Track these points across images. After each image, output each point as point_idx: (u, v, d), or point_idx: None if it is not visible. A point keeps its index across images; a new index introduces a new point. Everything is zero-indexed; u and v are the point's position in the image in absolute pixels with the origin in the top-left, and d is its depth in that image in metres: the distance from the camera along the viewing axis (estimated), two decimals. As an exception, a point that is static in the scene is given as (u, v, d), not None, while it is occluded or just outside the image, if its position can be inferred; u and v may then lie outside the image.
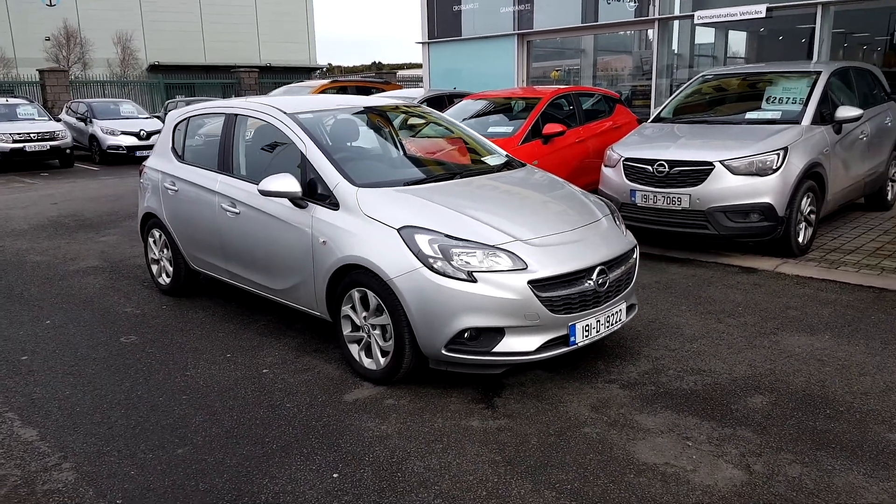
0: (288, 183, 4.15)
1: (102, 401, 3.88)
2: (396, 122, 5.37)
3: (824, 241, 6.74)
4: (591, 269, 3.76)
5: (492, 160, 4.88)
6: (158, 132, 17.47)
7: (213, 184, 4.92)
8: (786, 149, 5.98)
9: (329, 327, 4.76)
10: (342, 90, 12.69)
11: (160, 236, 5.71)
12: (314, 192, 4.20)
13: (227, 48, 45.51)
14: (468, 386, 3.90)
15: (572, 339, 3.72)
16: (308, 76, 40.00)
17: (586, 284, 3.73)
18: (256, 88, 28.15)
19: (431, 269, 3.57)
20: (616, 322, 3.98)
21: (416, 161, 4.98)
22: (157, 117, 19.58)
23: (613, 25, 12.34)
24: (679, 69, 13.35)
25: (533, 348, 3.61)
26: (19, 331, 5.06)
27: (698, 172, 6.05)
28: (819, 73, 6.85)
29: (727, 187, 5.95)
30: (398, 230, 3.73)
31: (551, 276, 3.61)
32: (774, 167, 5.91)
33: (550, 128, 7.82)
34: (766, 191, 5.90)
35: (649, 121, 7.49)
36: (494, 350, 3.58)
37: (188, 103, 9.03)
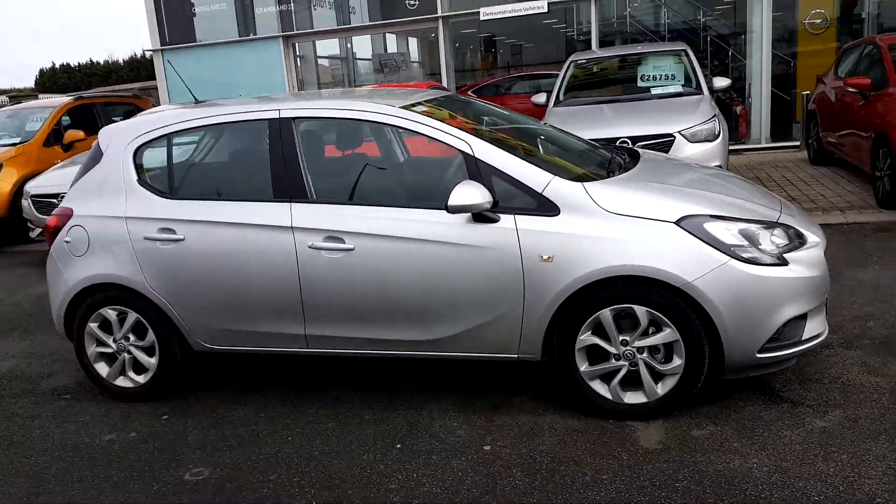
0: (478, 192, 3.08)
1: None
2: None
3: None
4: None
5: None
6: None
7: (282, 217, 3.41)
8: (715, 116, 6.49)
9: (467, 371, 3.75)
10: (88, 108, 10.09)
11: (120, 317, 3.78)
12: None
13: None
14: (719, 393, 3.38)
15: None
16: None
17: None
18: None
19: (740, 259, 2.99)
20: None
21: (573, 147, 4.09)
22: None
23: (392, 24, 11.97)
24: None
25: (825, 327, 3.27)
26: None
27: (662, 145, 6.19)
28: (685, 49, 7.58)
29: (688, 156, 6.21)
30: (676, 223, 3.03)
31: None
32: (716, 133, 6.36)
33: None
34: (715, 155, 6.31)
35: (551, 105, 7.45)
36: (803, 338, 3.15)
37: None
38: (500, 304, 3.20)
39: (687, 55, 7.49)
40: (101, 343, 3.87)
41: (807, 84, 10.51)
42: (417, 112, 3.44)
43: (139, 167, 3.76)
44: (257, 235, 3.46)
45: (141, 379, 3.85)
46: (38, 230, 7.35)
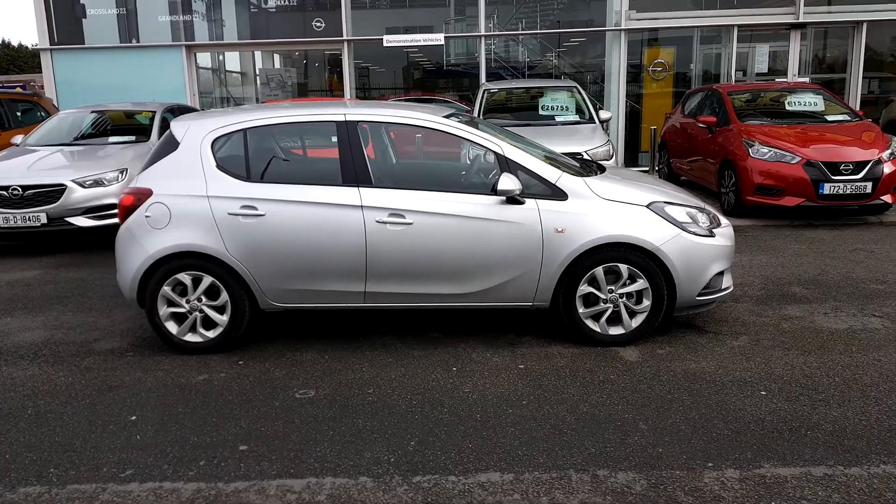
0: (514, 181, 4.26)
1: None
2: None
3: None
4: None
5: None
6: None
7: (352, 198, 4.34)
8: (609, 140, 8.17)
9: (480, 317, 4.90)
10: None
11: (194, 281, 4.46)
12: None
13: None
14: (666, 329, 4.80)
15: (724, 272, 5.03)
16: None
17: None
18: None
19: (688, 231, 4.41)
20: None
21: (550, 154, 5.16)
22: None
23: (300, 43, 12.72)
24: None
25: (732, 282, 4.80)
26: (131, 436, 3.51)
27: (574, 161, 7.72)
28: (576, 86, 9.27)
29: (593, 170, 7.80)
30: (647, 206, 4.40)
31: (728, 226, 4.86)
32: (611, 154, 8.03)
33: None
34: (612, 171, 7.96)
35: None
36: (722, 287, 4.64)
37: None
38: (524, 264, 4.38)
39: (579, 91, 9.19)
40: (171, 304, 4.51)
41: (650, 120, 12.79)
42: (456, 121, 4.55)
43: (217, 155, 4.51)
44: (331, 212, 4.36)
45: (210, 334, 4.55)
46: (-19, 221, 7.33)
